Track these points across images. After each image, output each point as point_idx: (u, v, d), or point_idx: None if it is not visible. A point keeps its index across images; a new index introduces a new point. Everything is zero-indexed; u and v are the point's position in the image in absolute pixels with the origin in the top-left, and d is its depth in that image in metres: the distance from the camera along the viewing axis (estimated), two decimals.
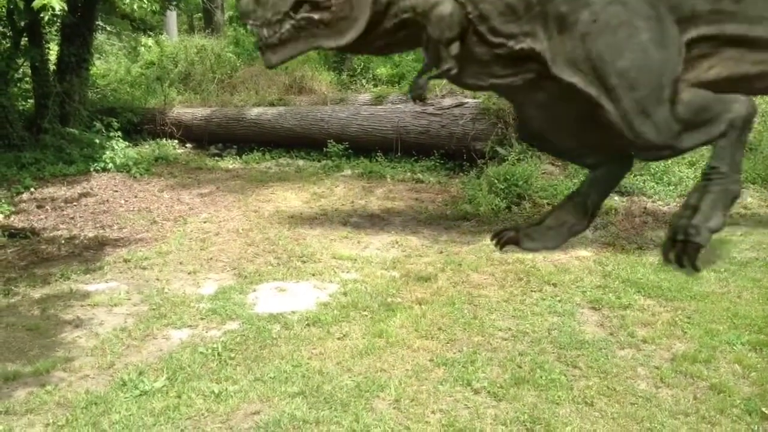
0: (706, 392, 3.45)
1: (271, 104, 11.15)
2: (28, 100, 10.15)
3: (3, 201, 7.06)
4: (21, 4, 6.63)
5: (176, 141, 10.63)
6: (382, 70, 13.59)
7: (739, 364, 3.75)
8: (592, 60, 4.67)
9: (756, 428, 3.12)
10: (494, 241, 5.70)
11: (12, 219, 6.71)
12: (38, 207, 7.09)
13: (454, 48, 4.87)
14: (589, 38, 4.65)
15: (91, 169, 8.50)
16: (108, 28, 12.87)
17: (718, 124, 4.92)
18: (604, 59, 4.66)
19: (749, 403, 3.32)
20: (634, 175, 7.47)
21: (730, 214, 6.95)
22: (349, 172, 9.07)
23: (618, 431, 3.08)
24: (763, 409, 3.26)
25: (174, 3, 11.72)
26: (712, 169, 4.99)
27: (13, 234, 6.16)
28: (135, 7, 8.85)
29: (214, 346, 3.90)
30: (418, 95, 5.35)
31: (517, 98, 5.58)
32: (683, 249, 4.99)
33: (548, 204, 6.60)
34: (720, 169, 4.95)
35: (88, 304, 4.59)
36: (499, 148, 7.94)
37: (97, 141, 9.22)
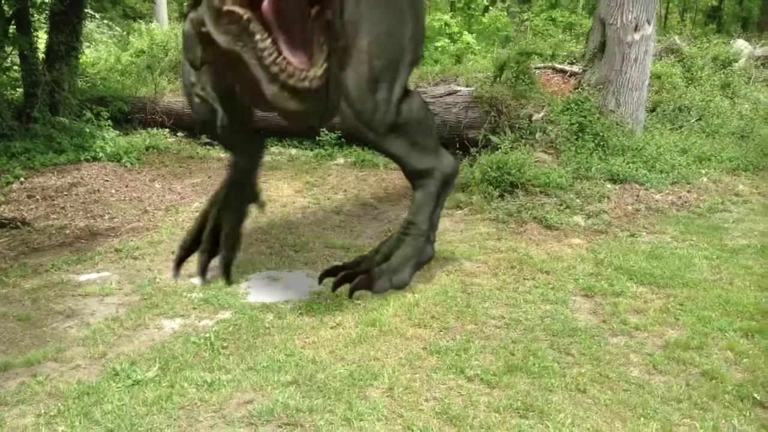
0: (698, 379, 3.47)
1: None
2: (17, 89, 10.04)
3: None
4: None
5: (167, 130, 10.54)
6: None
7: (731, 350, 3.77)
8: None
9: (748, 414, 3.14)
10: (328, 280, 4.62)
11: (2, 209, 6.65)
12: (28, 197, 7.03)
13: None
14: None
15: (82, 159, 8.42)
16: (98, 16, 12.73)
17: (427, 158, 4.60)
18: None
19: (741, 389, 3.34)
20: (627, 163, 7.48)
21: (722, 201, 7.01)
22: (341, 160, 9.03)
23: (611, 418, 3.09)
24: (755, 395, 3.28)
25: None
26: (410, 224, 4.58)
27: (3, 224, 6.10)
28: None
29: (207, 335, 3.88)
30: None
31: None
32: (356, 278, 4.45)
33: (540, 192, 6.60)
34: (418, 225, 4.58)
35: (80, 294, 4.56)
36: (492, 137, 7.92)
37: (88, 130, 9.13)
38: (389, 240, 4.69)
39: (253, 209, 5.20)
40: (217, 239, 4.73)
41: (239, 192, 4.83)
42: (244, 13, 3.27)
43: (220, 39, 3.37)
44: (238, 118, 4.37)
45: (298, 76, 3.33)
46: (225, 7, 3.25)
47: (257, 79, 3.35)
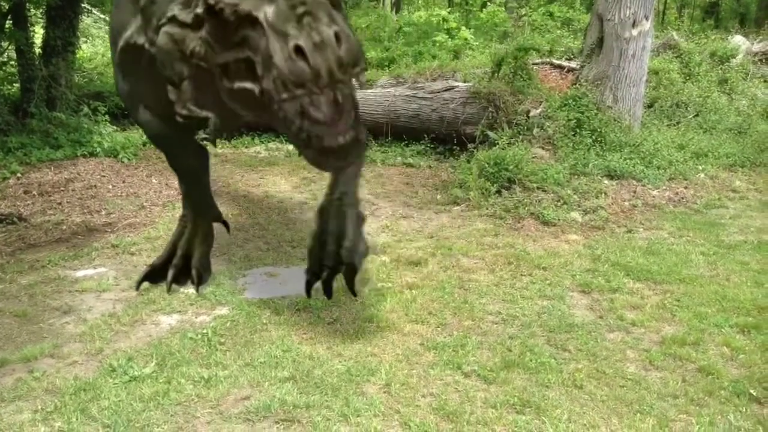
0: (694, 374, 3.48)
1: None
2: (14, 84, 10.00)
3: None
4: None
5: None
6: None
7: (728, 346, 3.78)
8: None
9: (744, 410, 3.14)
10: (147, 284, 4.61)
11: None
12: (25, 192, 7.01)
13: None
14: None
15: (78, 154, 8.40)
16: (94, 11, 12.70)
17: None
18: None
19: (737, 385, 3.35)
20: (624, 159, 7.48)
21: (719, 197, 7.01)
22: None
23: (607, 413, 3.10)
24: (751, 391, 3.29)
25: None
26: (344, 194, 4.20)
27: (0, 220, 6.09)
28: None
29: (204, 331, 3.88)
30: None
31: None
32: (348, 273, 4.26)
33: (538, 188, 6.60)
34: (352, 193, 4.25)
35: (76, 290, 4.55)
36: (489, 132, 7.92)
37: (85, 126, 9.10)
38: (328, 219, 4.16)
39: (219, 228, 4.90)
40: (187, 264, 4.58)
41: (202, 213, 4.62)
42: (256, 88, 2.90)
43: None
44: (228, 125, 3.85)
45: (324, 134, 2.90)
46: (235, 85, 2.95)
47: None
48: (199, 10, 2.93)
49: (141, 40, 3.47)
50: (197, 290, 4.39)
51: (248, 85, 2.77)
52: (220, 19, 2.78)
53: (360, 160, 4.22)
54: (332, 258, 4.16)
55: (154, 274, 4.56)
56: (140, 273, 4.49)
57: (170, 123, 3.65)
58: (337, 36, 2.54)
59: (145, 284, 4.59)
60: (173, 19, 3.05)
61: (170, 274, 4.49)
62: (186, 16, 3.03)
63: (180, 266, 4.54)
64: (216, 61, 2.86)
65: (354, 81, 2.75)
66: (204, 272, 4.58)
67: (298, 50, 2.53)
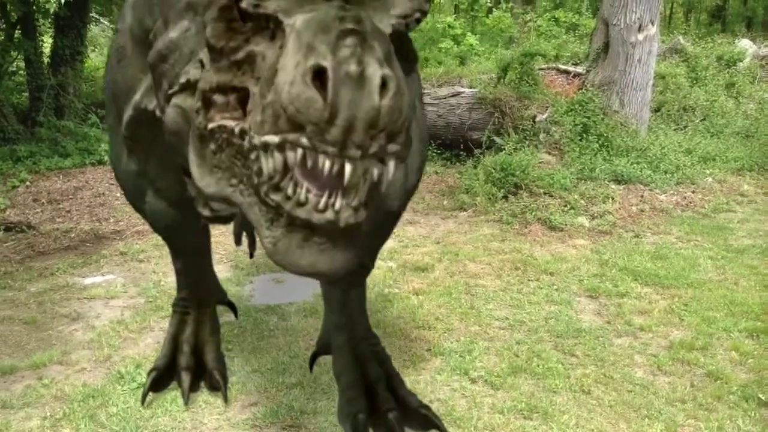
0: (703, 379, 3.46)
1: None
2: (23, 94, 10.10)
3: None
4: None
5: None
6: None
7: (736, 351, 3.76)
8: None
9: (753, 415, 3.13)
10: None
11: (8, 213, 6.68)
12: (34, 201, 7.07)
13: None
14: None
15: (87, 163, 8.46)
16: (102, 20, 12.80)
17: None
18: None
19: (746, 389, 3.33)
20: (631, 164, 7.47)
21: (727, 201, 6.99)
22: None
23: (615, 419, 3.09)
24: (760, 396, 3.27)
25: None
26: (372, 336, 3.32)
27: (9, 228, 6.13)
28: None
29: None
30: None
31: None
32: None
33: (545, 193, 6.59)
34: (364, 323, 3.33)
35: (85, 297, 4.58)
36: (495, 138, 7.92)
37: (93, 134, 9.17)
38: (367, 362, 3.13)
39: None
40: (199, 361, 3.45)
41: (205, 296, 3.60)
42: (235, 123, 1.65)
43: (209, 183, 1.80)
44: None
45: (315, 201, 1.57)
46: (211, 125, 1.70)
47: (255, 224, 1.74)
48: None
49: (152, 105, 2.43)
50: (225, 398, 3.26)
51: (229, 122, 1.63)
52: (230, 17, 1.69)
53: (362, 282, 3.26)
54: (391, 401, 3.01)
55: (160, 380, 3.34)
56: (146, 382, 3.28)
57: (185, 210, 2.89)
58: (384, 82, 1.40)
59: (155, 292, 4.61)
60: (187, 86, 1.99)
61: (185, 381, 3.30)
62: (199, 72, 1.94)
63: (193, 367, 3.39)
64: (201, 85, 1.75)
65: (383, 164, 1.49)
66: (224, 370, 3.44)
67: (318, 74, 1.40)
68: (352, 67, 1.38)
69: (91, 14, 10.68)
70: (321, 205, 1.46)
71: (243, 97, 1.63)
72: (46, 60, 9.84)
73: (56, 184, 7.64)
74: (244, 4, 1.59)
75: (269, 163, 1.47)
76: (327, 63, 1.38)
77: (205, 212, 2.33)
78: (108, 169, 8.25)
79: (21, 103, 9.97)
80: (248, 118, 1.57)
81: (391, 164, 1.48)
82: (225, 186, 1.70)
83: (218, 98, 1.68)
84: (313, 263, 1.54)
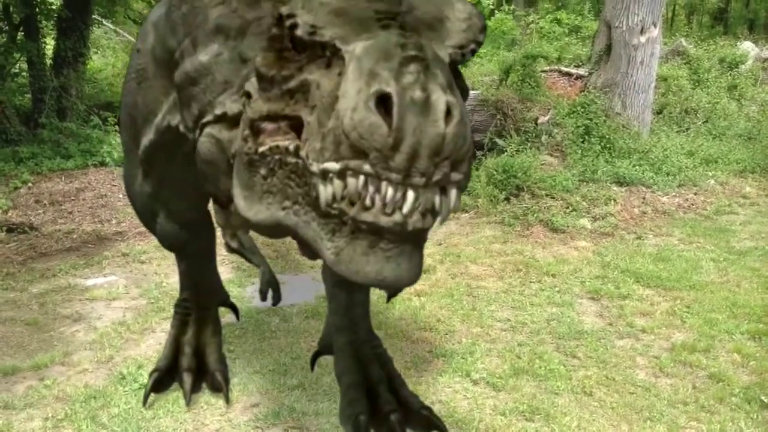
0: (705, 381, 3.46)
1: None
2: (25, 95, 10.11)
3: (1, 196, 7.04)
4: None
5: None
6: None
7: (738, 353, 3.75)
8: None
9: (755, 417, 3.12)
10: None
11: (10, 214, 6.69)
12: (36, 202, 7.07)
13: None
14: None
15: (89, 164, 8.46)
16: (105, 22, 12.83)
17: None
18: None
19: (748, 391, 3.32)
20: (633, 166, 7.46)
21: (729, 203, 6.98)
22: None
23: (617, 421, 3.08)
24: (762, 398, 3.27)
25: None
26: (365, 329, 3.33)
27: (11, 229, 6.14)
28: None
29: None
30: None
31: None
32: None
33: (547, 195, 6.59)
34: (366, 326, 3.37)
35: (87, 299, 4.58)
36: (497, 140, 7.92)
37: (95, 135, 9.17)
38: (369, 364, 3.14)
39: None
40: (201, 362, 3.46)
41: (208, 298, 3.58)
42: (288, 141, 1.62)
43: (260, 210, 1.74)
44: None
45: (381, 203, 1.45)
46: (262, 148, 1.65)
47: (312, 241, 1.64)
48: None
49: (175, 121, 2.41)
50: (227, 399, 3.26)
51: (282, 142, 1.60)
52: (281, 46, 1.65)
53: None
54: (393, 402, 3.01)
55: (162, 381, 3.33)
56: (147, 383, 3.28)
57: (196, 232, 2.99)
58: (448, 109, 1.35)
59: (157, 293, 4.62)
60: (223, 118, 1.99)
61: (187, 382, 3.29)
62: (239, 106, 1.90)
63: (195, 369, 3.38)
64: (250, 114, 1.69)
65: (444, 193, 1.43)
66: (225, 371, 3.44)
67: (382, 100, 1.35)
68: (417, 93, 1.34)
69: (93, 16, 10.68)
70: (389, 208, 1.38)
71: (295, 125, 1.58)
72: (48, 62, 9.85)
73: (58, 185, 7.64)
74: (299, 32, 1.55)
75: (328, 190, 1.41)
76: (391, 89, 1.33)
77: (234, 244, 2.19)
78: (110, 171, 8.27)
79: (23, 104, 9.98)
80: (304, 146, 1.51)
81: (453, 193, 1.42)
82: (277, 210, 1.66)
83: (268, 125, 1.64)
84: (380, 270, 1.46)
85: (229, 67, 1.99)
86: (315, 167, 1.43)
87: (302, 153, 1.49)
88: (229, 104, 1.96)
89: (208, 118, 2.04)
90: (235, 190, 1.80)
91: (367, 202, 1.39)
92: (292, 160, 1.57)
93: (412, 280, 1.53)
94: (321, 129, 1.44)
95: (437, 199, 1.39)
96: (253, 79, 1.71)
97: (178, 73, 2.21)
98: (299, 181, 1.56)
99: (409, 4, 1.53)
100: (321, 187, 1.43)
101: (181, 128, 2.32)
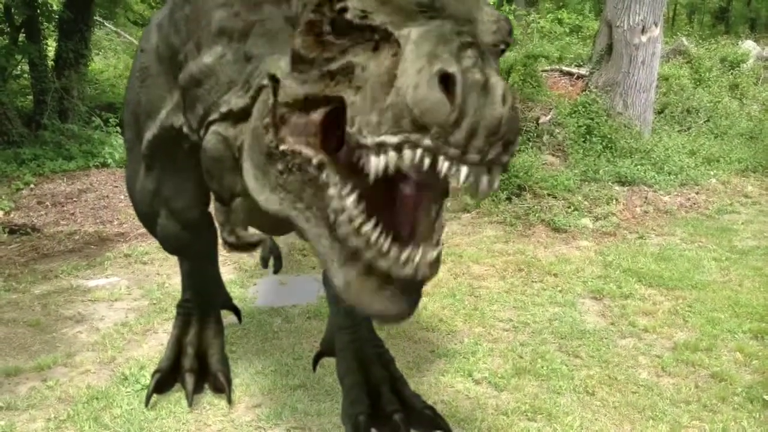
0: (707, 381, 3.45)
1: None
2: (27, 97, 10.13)
3: (3, 197, 7.05)
4: None
5: None
6: None
7: (741, 352, 3.75)
8: None
9: (758, 416, 3.12)
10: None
11: (12, 215, 6.70)
12: (38, 203, 7.08)
13: None
14: None
15: (91, 165, 8.47)
16: (106, 24, 12.85)
17: None
18: None
19: (751, 391, 3.32)
20: (635, 165, 7.46)
21: (731, 202, 6.98)
22: None
23: (619, 420, 3.08)
24: (765, 397, 3.26)
25: None
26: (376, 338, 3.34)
27: (14, 230, 6.15)
28: None
29: None
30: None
31: None
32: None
33: (548, 194, 6.58)
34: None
35: (89, 300, 4.59)
36: None
37: (96, 137, 9.19)
38: (370, 366, 3.15)
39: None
40: (203, 363, 3.46)
41: (210, 300, 3.61)
42: (312, 153, 1.66)
43: (269, 199, 1.79)
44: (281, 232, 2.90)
45: (396, 254, 1.57)
46: (283, 147, 1.71)
47: (320, 255, 1.71)
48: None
49: (179, 121, 2.47)
50: (229, 399, 3.25)
51: (306, 150, 1.65)
52: (319, 31, 1.66)
53: None
54: (395, 402, 3.02)
55: (164, 382, 3.34)
56: (149, 384, 3.29)
57: (197, 233, 2.99)
58: (504, 96, 1.41)
59: (159, 294, 4.62)
60: (228, 115, 2.07)
61: (189, 382, 3.29)
62: (244, 100, 1.99)
63: (197, 369, 3.39)
64: (280, 98, 1.71)
65: (489, 173, 1.46)
66: (227, 372, 3.45)
67: (445, 79, 1.40)
68: (477, 76, 1.40)
69: (95, 17, 10.71)
70: (403, 258, 1.52)
71: (324, 120, 1.64)
72: (50, 63, 9.87)
73: (60, 186, 7.65)
74: (349, 16, 1.59)
75: (381, 161, 1.46)
76: (454, 69, 1.39)
77: (231, 239, 2.35)
78: (111, 172, 8.28)
79: (25, 106, 10.00)
80: (351, 122, 1.54)
81: (497, 173, 1.48)
82: (289, 207, 1.73)
83: (297, 119, 1.68)
84: (384, 310, 1.60)
85: (233, 67, 2.06)
86: (369, 140, 1.46)
87: (351, 130, 1.52)
88: (234, 101, 2.03)
89: (214, 116, 2.11)
90: (247, 171, 1.84)
91: (384, 248, 1.51)
92: (312, 172, 1.63)
93: (412, 314, 1.66)
94: (376, 105, 1.48)
95: (484, 178, 1.45)
96: (282, 63, 1.76)
97: (182, 75, 2.27)
98: (316, 193, 1.63)
99: (441, 4, 1.56)
100: (373, 159, 1.47)
101: (185, 130, 2.38)
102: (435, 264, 1.58)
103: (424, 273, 1.55)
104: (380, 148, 1.45)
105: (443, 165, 1.40)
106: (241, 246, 2.35)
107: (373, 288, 1.58)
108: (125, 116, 3.07)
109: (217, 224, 2.38)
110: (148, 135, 2.71)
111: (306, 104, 1.66)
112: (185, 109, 2.36)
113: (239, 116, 2.00)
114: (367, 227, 1.54)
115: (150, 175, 2.93)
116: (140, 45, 2.80)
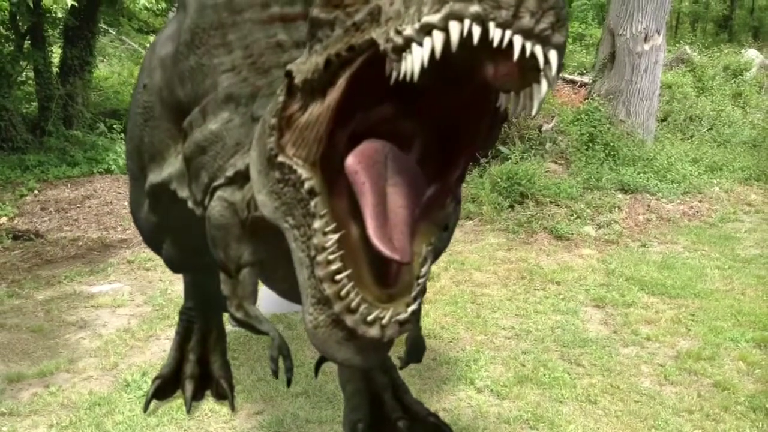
0: (710, 390, 3.44)
1: None
2: (32, 103, 10.17)
3: (7, 203, 7.07)
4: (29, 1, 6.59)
5: None
6: None
7: (743, 361, 3.74)
8: None
9: (760, 425, 3.11)
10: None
11: (16, 221, 6.72)
12: (42, 209, 7.10)
13: None
14: None
15: (95, 172, 8.50)
16: (111, 31, 12.91)
17: None
18: None
19: (753, 400, 3.31)
20: (638, 173, 7.46)
21: (734, 211, 6.97)
22: None
23: (622, 429, 3.07)
24: None
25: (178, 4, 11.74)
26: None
27: (18, 236, 6.17)
28: (142, 3, 8.84)
29: None
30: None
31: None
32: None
33: (551, 202, 6.59)
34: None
35: (92, 306, 4.59)
36: (502, 147, 7.92)
37: (101, 143, 9.23)
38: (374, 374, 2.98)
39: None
40: (205, 369, 3.46)
41: (213, 305, 3.50)
42: (306, 175, 1.59)
43: (265, 202, 1.72)
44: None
45: (365, 313, 1.49)
46: (281, 158, 1.64)
47: (299, 282, 1.64)
48: None
49: (183, 194, 2.37)
50: (232, 406, 3.26)
51: (302, 171, 1.59)
52: None
53: None
54: (398, 409, 2.96)
55: (165, 388, 3.33)
56: (149, 390, 3.28)
57: (203, 257, 2.70)
58: None
59: (161, 300, 4.62)
60: (234, 179, 1.99)
61: (189, 388, 3.30)
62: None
63: (197, 376, 3.38)
64: (302, 77, 1.62)
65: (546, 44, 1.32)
66: (230, 378, 3.44)
67: None
68: None
69: (99, 25, 10.76)
70: (370, 318, 1.46)
71: (339, 103, 1.52)
72: (55, 70, 9.92)
73: (64, 192, 7.68)
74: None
75: (425, 49, 1.30)
76: None
77: (238, 315, 2.22)
78: (115, 178, 8.30)
79: (30, 112, 10.04)
80: (384, 25, 1.42)
81: (554, 56, 1.32)
82: (281, 218, 1.67)
83: (305, 118, 1.60)
84: (349, 359, 1.56)
85: (240, 131, 2.02)
86: (410, 29, 1.32)
87: (388, 34, 1.38)
88: (240, 163, 1.97)
89: (220, 181, 2.05)
90: (252, 155, 1.80)
91: (353, 305, 1.45)
92: (304, 195, 1.57)
93: (377, 365, 1.59)
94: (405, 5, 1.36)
95: (539, 49, 1.31)
96: (296, 54, 1.71)
97: (187, 145, 2.21)
98: (306, 217, 1.57)
99: None
100: (415, 51, 1.32)
101: (190, 204, 2.31)
102: (407, 322, 1.50)
103: (391, 334, 1.49)
104: (423, 31, 1.30)
105: (494, 33, 1.26)
106: (249, 325, 2.23)
107: (339, 338, 1.53)
108: (127, 146, 3.01)
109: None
110: (153, 178, 2.62)
111: (326, 74, 1.54)
112: (190, 180, 2.27)
113: (248, 176, 1.86)
114: (341, 275, 1.47)
115: (154, 211, 2.86)
116: (142, 78, 2.69)
